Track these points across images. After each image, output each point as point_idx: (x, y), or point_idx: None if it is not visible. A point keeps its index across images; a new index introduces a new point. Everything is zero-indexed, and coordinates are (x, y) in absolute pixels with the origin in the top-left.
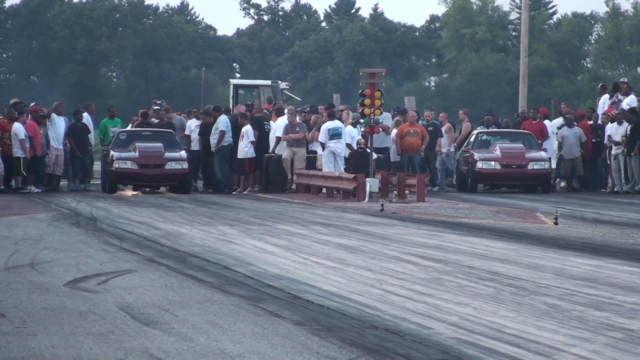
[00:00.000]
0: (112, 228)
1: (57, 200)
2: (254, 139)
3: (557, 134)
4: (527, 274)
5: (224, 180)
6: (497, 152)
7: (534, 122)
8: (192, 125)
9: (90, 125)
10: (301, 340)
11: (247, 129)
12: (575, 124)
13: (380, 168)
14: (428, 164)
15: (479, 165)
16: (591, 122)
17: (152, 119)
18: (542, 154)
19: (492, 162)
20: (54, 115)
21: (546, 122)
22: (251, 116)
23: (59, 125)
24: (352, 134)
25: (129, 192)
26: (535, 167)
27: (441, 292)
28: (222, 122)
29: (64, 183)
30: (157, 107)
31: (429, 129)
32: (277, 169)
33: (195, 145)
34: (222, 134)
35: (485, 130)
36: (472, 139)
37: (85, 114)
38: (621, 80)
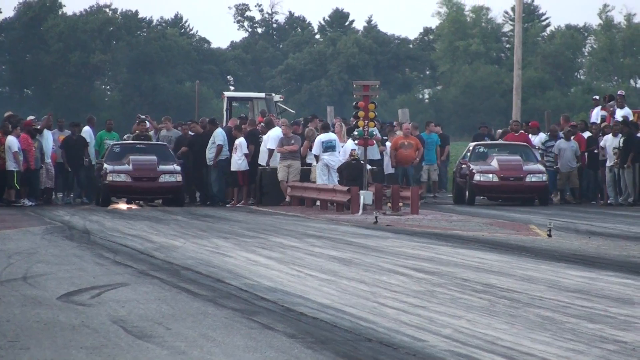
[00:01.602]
0: (105, 241)
1: (51, 214)
2: (247, 152)
3: (541, 148)
4: (520, 286)
5: (219, 194)
6: (495, 164)
7: (516, 134)
8: None
9: (92, 138)
10: (295, 353)
11: (241, 141)
12: (572, 137)
13: (374, 180)
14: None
15: (477, 177)
16: (590, 134)
17: (148, 132)
18: (540, 166)
19: (490, 175)
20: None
21: (540, 135)
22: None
23: (47, 139)
24: (347, 147)
25: (123, 205)
26: (533, 179)
27: (435, 304)
28: (219, 135)
29: (59, 195)
30: (147, 125)
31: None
32: (271, 181)
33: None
34: (220, 148)
35: (482, 142)
36: (469, 151)
37: (86, 127)
38: (619, 92)
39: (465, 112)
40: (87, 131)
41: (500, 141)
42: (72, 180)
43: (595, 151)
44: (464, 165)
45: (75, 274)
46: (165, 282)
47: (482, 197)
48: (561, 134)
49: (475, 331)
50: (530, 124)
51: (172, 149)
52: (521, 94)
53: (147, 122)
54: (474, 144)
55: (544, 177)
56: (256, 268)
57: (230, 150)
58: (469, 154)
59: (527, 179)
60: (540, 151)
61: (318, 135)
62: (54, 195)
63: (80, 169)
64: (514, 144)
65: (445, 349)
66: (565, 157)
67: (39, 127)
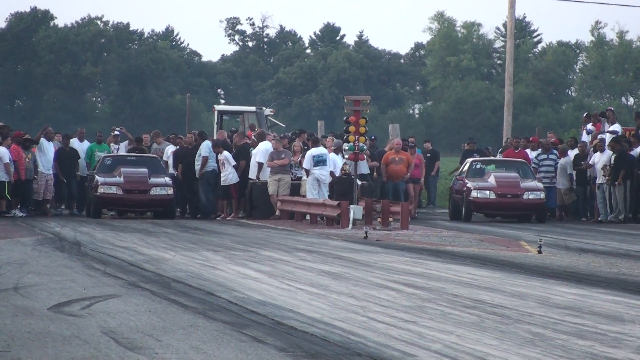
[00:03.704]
0: (96, 253)
1: (41, 225)
2: (235, 163)
3: (534, 163)
4: (510, 302)
5: (209, 205)
6: (492, 181)
7: (516, 150)
8: (169, 151)
9: (82, 151)
10: None
11: (226, 155)
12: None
13: (364, 195)
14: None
15: (474, 194)
16: (578, 152)
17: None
18: (537, 183)
19: (487, 192)
20: (43, 140)
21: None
22: (232, 142)
23: (48, 150)
24: (336, 161)
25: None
26: (531, 196)
27: (425, 319)
28: (205, 148)
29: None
30: (117, 133)
31: (427, 155)
32: (261, 195)
33: (171, 171)
34: (205, 159)
35: (480, 158)
36: (465, 167)
37: (74, 139)
38: (608, 108)
39: (455, 127)
40: (77, 143)
41: (497, 157)
42: (65, 191)
43: (583, 165)
44: (460, 181)
45: (66, 284)
46: (156, 294)
47: (475, 213)
48: (554, 150)
49: (464, 347)
50: (531, 139)
51: (172, 162)
52: (512, 110)
53: (110, 137)
54: (471, 159)
55: (542, 195)
56: (246, 281)
57: (218, 163)
58: (465, 170)
59: (525, 196)
60: (533, 166)
61: (309, 149)
62: (48, 206)
63: (73, 181)
64: (511, 160)
65: None
66: (560, 173)
67: (31, 137)
